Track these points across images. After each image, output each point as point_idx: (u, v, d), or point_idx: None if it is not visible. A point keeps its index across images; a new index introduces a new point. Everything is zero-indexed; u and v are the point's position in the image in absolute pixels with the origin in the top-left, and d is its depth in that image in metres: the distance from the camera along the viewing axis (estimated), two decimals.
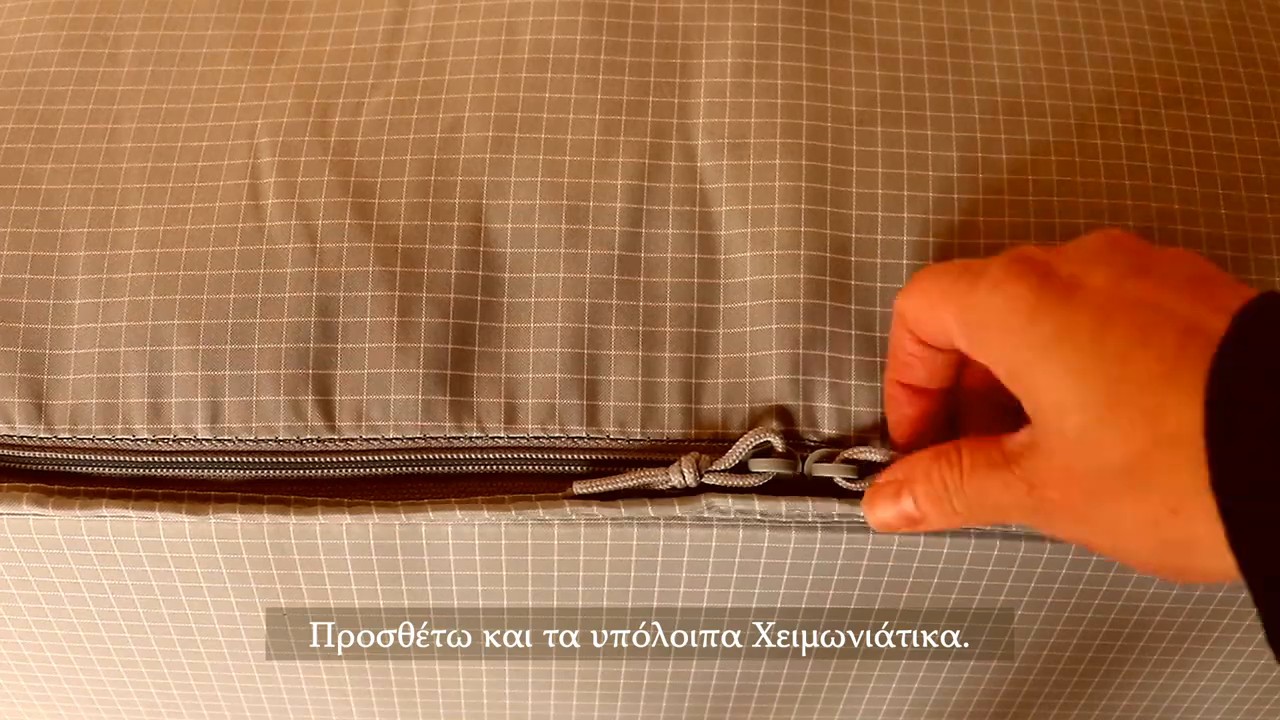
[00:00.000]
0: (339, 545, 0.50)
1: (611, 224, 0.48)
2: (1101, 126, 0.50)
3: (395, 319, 0.47)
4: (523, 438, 0.47)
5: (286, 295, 0.47)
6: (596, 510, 0.48)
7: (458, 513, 0.48)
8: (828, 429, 0.47)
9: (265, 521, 0.49)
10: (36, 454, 0.48)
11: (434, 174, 0.48)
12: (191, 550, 0.50)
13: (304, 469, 0.48)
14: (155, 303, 0.47)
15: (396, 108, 0.50)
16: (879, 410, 0.46)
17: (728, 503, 0.47)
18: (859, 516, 0.48)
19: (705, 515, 0.48)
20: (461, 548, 0.50)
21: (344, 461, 0.49)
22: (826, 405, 0.47)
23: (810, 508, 0.47)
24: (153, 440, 0.47)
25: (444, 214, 0.48)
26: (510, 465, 0.49)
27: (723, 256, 0.48)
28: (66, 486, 0.48)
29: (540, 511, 0.48)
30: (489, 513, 0.48)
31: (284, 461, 0.48)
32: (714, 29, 0.51)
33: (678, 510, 0.48)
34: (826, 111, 0.49)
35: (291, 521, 0.49)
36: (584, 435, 0.47)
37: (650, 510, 0.48)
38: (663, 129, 0.49)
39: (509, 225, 0.48)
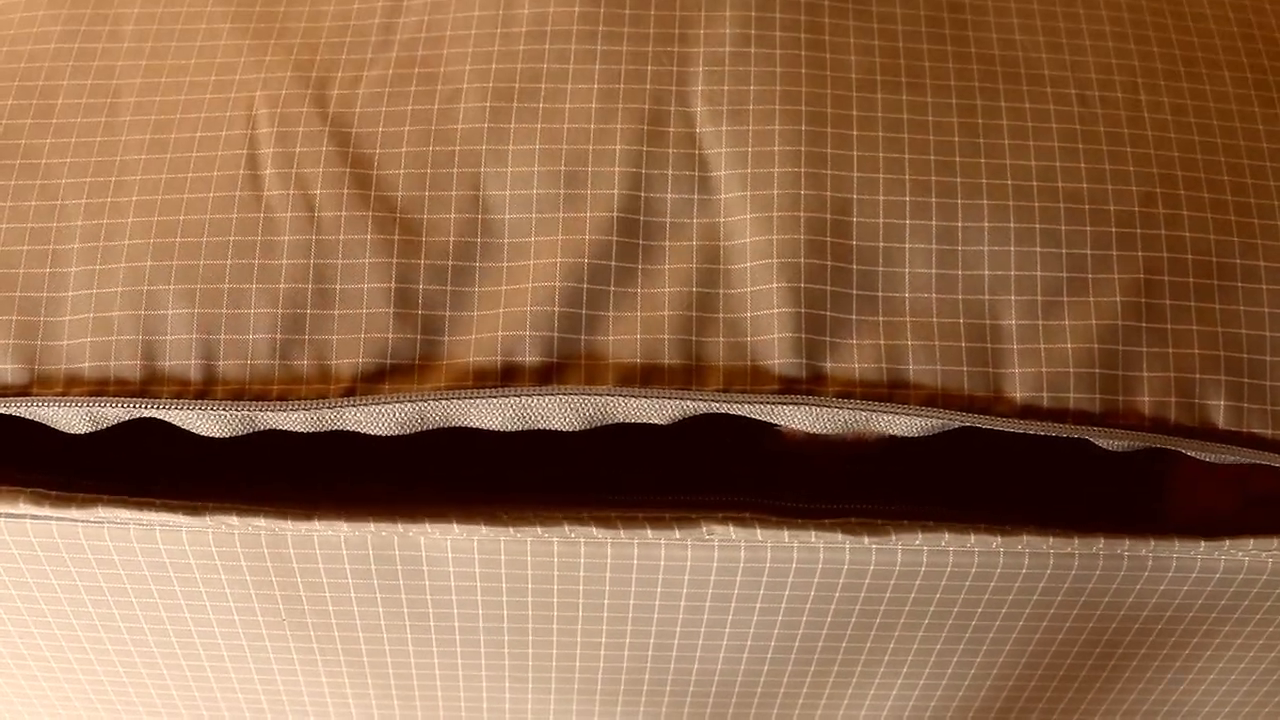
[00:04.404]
0: (338, 554, 0.50)
1: (610, 188, 0.48)
2: (1101, 96, 0.50)
3: (393, 285, 0.47)
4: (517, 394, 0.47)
5: (284, 262, 0.47)
6: (595, 530, 0.48)
7: (455, 527, 0.48)
8: (832, 389, 0.46)
9: (263, 526, 0.48)
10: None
11: (432, 144, 0.48)
12: (190, 557, 0.50)
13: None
14: (151, 268, 0.47)
15: (395, 80, 0.50)
16: (883, 366, 0.46)
17: (728, 529, 0.47)
18: (861, 540, 0.48)
19: (706, 538, 0.48)
20: (461, 560, 0.50)
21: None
22: (829, 365, 0.46)
23: (813, 533, 0.47)
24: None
25: (442, 183, 0.48)
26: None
27: (722, 220, 0.48)
28: (64, 491, 0.48)
29: (538, 529, 0.48)
30: (487, 529, 0.48)
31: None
32: (712, 1, 0.51)
33: (676, 534, 0.47)
34: (826, 79, 0.49)
35: (289, 529, 0.48)
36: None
37: (649, 533, 0.48)
38: (661, 96, 0.49)
39: (507, 192, 0.48)
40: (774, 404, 0.45)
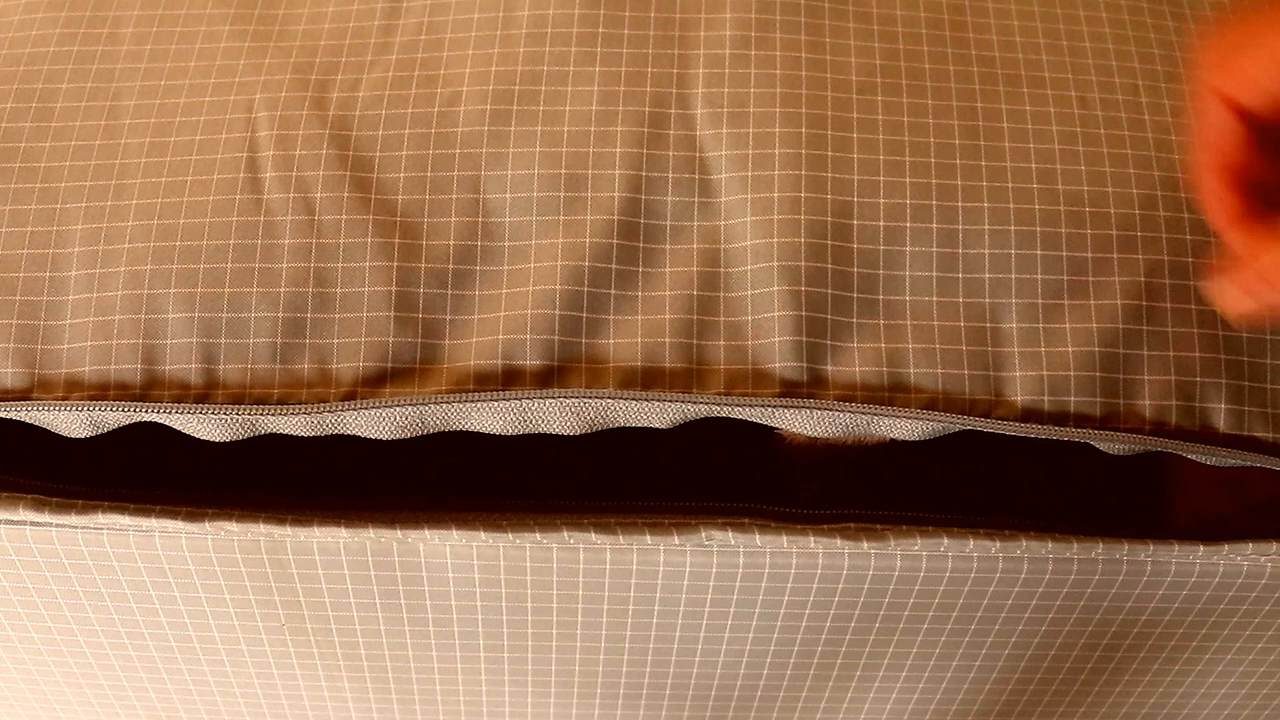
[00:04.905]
0: (337, 560, 0.50)
1: (611, 190, 0.48)
2: (1102, 99, 0.50)
3: (394, 289, 0.47)
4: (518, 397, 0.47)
5: (284, 265, 0.47)
6: (594, 536, 0.48)
7: (454, 533, 0.48)
8: (833, 392, 0.46)
9: (262, 533, 0.48)
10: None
11: (432, 147, 0.48)
12: (189, 562, 0.50)
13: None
14: (151, 272, 0.47)
15: (395, 84, 0.50)
16: (884, 370, 0.46)
17: (727, 535, 0.47)
18: (860, 545, 0.48)
19: (705, 543, 0.48)
20: (460, 565, 0.50)
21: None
22: (830, 368, 0.46)
23: (812, 538, 0.47)
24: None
25: (442, 186, 0.48)
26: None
27: (723, 222, 0.47)
28: (63, 498, 0.48)
29: (537, 535, 0.48)
30: (486, 535, 0.48)
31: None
32: (712, 3, 0.51)
33: (676, 539, 0.47)
34: (826, 82, 0.49)
35: (288, 535, 0.48)
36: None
37: (649, 538, 0.47)
38: (661, 99, 0.49)
39: (507, 195, 0.48)
40: (775, 407, 0.45)
